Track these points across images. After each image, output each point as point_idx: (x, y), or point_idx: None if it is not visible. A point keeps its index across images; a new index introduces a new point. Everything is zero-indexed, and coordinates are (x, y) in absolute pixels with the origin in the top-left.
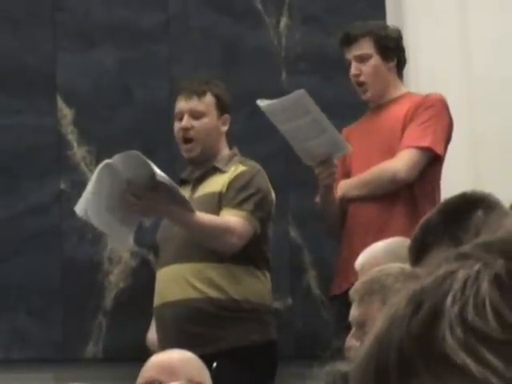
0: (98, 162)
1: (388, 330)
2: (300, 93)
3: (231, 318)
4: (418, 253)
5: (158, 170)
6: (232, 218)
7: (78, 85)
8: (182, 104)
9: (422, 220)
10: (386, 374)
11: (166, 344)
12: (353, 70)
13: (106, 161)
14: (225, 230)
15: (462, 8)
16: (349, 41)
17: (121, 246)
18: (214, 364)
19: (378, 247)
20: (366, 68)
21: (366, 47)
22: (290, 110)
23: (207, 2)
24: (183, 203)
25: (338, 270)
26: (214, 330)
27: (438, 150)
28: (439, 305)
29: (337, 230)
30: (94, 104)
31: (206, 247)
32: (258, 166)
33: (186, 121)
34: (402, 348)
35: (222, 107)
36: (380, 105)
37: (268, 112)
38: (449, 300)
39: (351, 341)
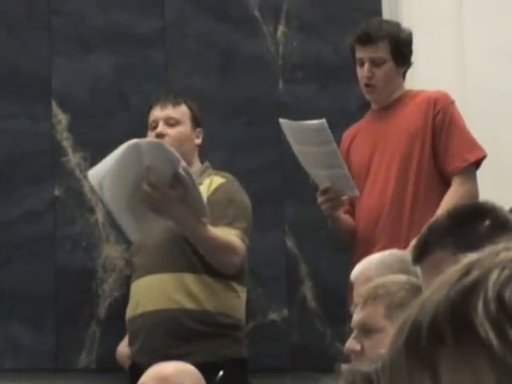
0: None
1: (432, 292)
2: (321, 122)
3: (205, 331)
4: (420, 251)
5: (184, 163)
6: (234, 238)
7: (73, 90)
8: (156, 112)
9: (431, 220)
10: (418, 335)
11: (139, 356)
12: (366, 72)
13: (135, 140)
14: (230, 249)
15: (457, 19)
16: (367, 40)
17: (130, 236)
18: (221, 372)
19: (372, 259)
20: (379, 73)
21: (382, 51)
22: (309, 135)
23: (204, 9)
24: (199, 209)
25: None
26: (187, 343)
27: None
28: (484, 276)
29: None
30: (89, 110)
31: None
32: (232, 177)
33: (161, 127)
34: (437, 311)
35: (196, 120)
36: (384, 107)
37: (285, 128)
38: (494, 274)
39: (351, 344)
